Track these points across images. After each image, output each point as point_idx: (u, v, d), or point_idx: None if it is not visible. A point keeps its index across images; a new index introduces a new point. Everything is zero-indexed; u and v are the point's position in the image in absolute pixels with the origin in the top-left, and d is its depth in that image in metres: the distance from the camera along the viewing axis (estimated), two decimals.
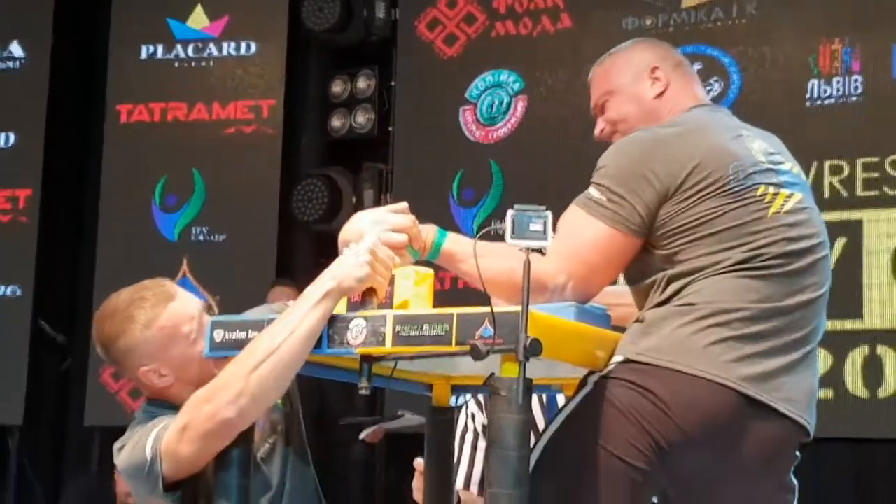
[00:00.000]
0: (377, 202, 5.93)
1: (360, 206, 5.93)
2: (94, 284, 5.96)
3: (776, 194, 2.19)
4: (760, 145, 2.27)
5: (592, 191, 2.16)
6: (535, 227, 1.86)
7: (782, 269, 2.14)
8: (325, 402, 5.10)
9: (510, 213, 1.87)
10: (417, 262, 2.23)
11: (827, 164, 4.96)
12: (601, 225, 2.11)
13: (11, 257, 6.02)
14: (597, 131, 2.43)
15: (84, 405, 5.92)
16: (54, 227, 6.16)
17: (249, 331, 2.10)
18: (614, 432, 2.02)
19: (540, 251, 1.89)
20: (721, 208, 2.13)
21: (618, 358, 2.08)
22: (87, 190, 6.22)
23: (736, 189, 2.15)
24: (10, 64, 6.17)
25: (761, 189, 2.17)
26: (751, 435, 2.08)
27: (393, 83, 5.99)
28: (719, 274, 2.10)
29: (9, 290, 6.01)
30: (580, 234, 2.12)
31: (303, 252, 6.00)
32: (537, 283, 1.95)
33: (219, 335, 2.14)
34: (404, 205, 2.23)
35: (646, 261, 2.17)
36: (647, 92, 2.36)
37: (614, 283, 2.29)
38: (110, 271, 5.90)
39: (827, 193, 4.91)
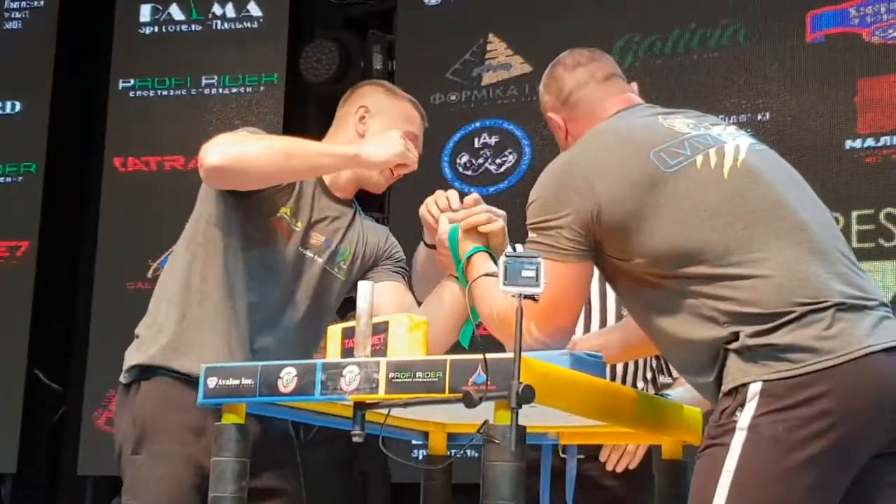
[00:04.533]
0: None
1: None
2: (89, 334, 5.96)
3: (721, 154, 2.18)
4: (683, 120, 2.28)
5: (530, 232, 2.21)
6: (528, 273, 1.86)
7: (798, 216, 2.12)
8: None
9: (502, 260, 1.88)
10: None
11: None
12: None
13: (9, 304, 6.03)
14: None
15: (78, 454, 5.89)
16: (50, 276, 6.17)
17: (242, 378, 2.11)
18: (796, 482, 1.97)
19: (532, 297, 1.89)
20: (675, 194, 2.12)
21: (755, 387, 1.99)
22: (85, 241, 6.25)
23: (669, 172, 2.14)
24: None
25: (700, 160, 2.17)
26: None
27: None
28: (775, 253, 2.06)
29: (5, 338, 6.01)
30: None
31: None
32: (509, 328, 1.98)
33: (212, 382, 2.14)
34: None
35: (655, 284, 2.14)
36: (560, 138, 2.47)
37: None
38: (104, 321, 5.90)
39: None
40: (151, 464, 2.52)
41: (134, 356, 2.64)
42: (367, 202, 6.05)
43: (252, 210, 2.65)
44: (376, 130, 2.77)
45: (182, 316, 2.62)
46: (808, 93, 5.11)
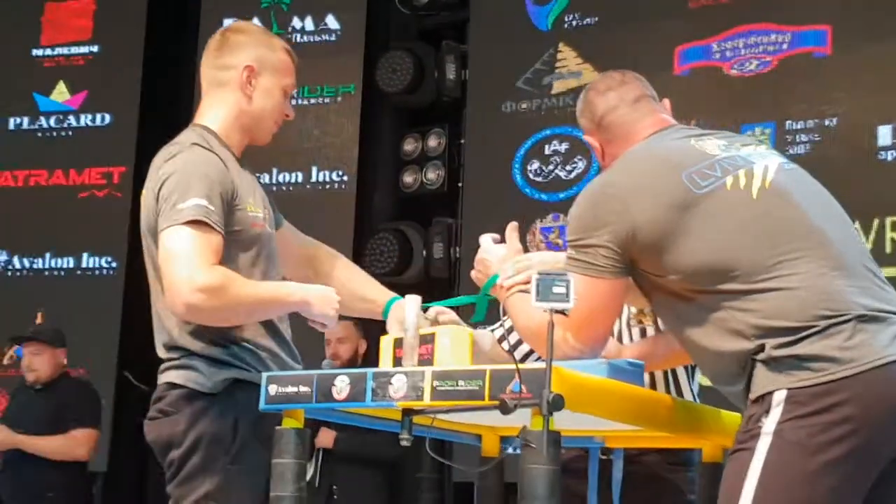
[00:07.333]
0: (446, 255, 6.10)
1: (429, 259, 6.12)
2: None
3: (750, 175, 2.28)
4: (714, 143, 2.38)
5: (569, 249, 2.33)
6: (559, 290, 1.99)
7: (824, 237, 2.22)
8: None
9: (535, 277, 2.01)
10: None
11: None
12: (576, 276, 2.15)
13: (101, 310, 6.34)
14: None
15: None
16: (139, 281, 6.40)
17: (300, 386, 2.27)
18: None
19: (563, 312, 2.02)
20: (706, 214, 2.22)
21: (780, 395, 2.10)
22: None
23: (701, 194, 2.24)
24: None
25: (730, 181, 2.26)
26: None
27: (462, 141, 6.19)
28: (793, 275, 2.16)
29: (96, 341, 6.29)
30: None
31: None
32: (542, 339, 2.10)
33: (273, 389, 2.31)
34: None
35: (691, 300, 2.24)
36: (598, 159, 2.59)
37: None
38: None
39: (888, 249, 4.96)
40: (249, 474, 2.58)
41: (224, 370, 2.70)
42: (440, 208, 6.26)
43: (236, 228, 2.67)
44: (265, 88, 2.80)
45: (252, 330, 2.71)
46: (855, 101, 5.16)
